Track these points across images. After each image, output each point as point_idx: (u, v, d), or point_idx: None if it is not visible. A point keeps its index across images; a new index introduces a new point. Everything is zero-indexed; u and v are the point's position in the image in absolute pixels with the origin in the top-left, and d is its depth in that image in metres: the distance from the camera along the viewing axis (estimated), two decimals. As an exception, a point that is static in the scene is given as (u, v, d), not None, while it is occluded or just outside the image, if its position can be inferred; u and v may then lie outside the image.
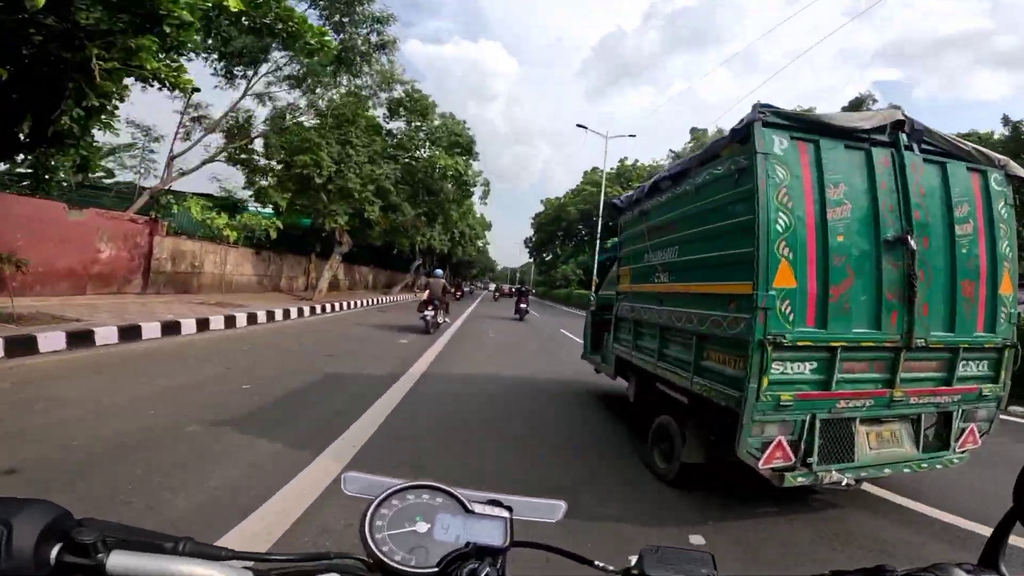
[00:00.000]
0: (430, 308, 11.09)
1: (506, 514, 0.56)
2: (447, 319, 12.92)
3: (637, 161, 44.48)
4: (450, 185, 21.61)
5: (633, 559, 0.54)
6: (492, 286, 60.45)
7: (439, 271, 12.79)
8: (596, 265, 20.84)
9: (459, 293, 31.33)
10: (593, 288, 15.54)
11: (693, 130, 41.68)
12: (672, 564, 0.52)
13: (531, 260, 65.32)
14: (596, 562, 0.56)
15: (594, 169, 43.35)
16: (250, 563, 0.50)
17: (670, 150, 42.79)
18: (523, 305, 23.01)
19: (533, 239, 57.47)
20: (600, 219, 27.08)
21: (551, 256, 55.81)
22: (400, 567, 0.49)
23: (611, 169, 39.39)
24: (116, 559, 0.44)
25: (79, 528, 0.45)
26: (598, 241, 25.12)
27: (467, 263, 60.30)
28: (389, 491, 0.56)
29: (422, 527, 0.53)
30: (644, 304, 4.37)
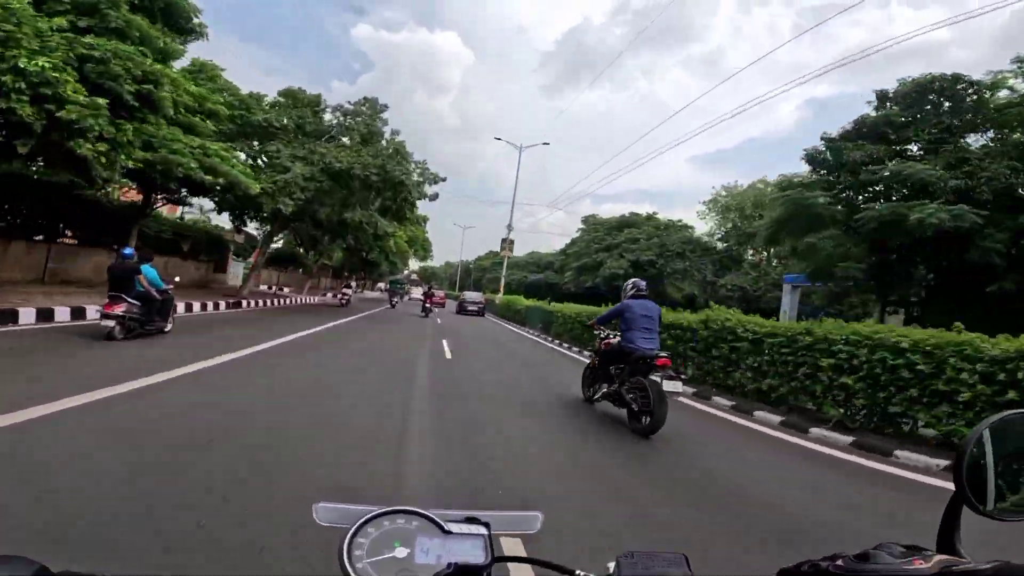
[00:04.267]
0: None
1: (484, 531, 0.56)
2: None
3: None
4: None
5: (611, 565, 0.56)
6: (416, 289, 40.06)
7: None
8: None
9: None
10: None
11: None
12: (647, 567, 0.54)
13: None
14: (577, 571, 0.56)
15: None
16: None
17: None
18: (428, 304, 21.22)
19: None
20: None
21: None
22: None
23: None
24: None
25: None
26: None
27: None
28: (364, 519, 0.55)
29: (401, 552, 0.53)
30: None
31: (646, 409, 4.92)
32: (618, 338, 5.66)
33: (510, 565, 0.67)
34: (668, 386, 4.86)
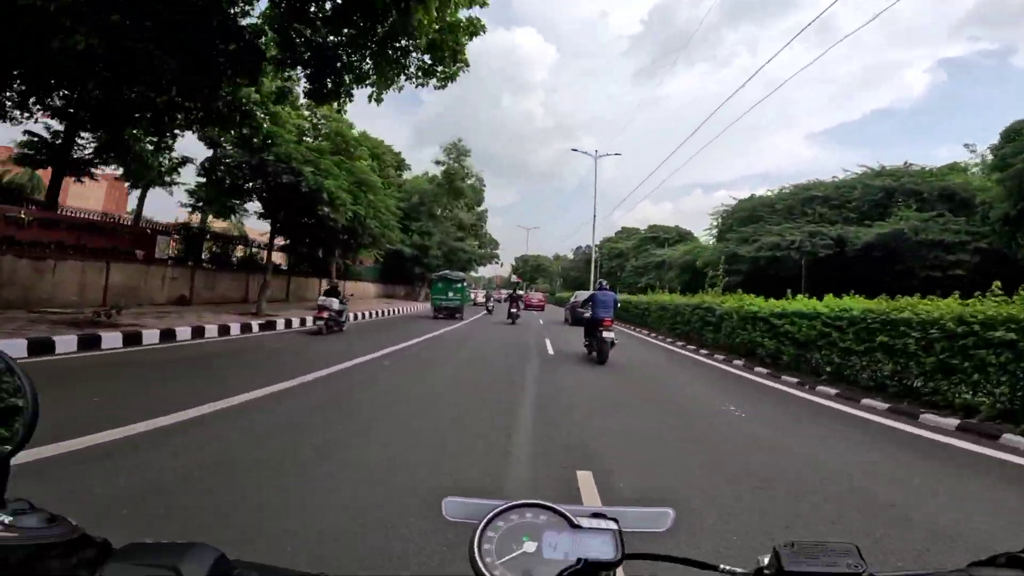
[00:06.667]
0: None
1: (614, 526, 0.55)
2: None
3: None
4: None
5: (764, 559, 0.54)
6: (480, 293, 39.00)
7: None
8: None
9: None
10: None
11: None
12: (812, 558, 0.51)
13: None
14: (722, 566, 0.55)
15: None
16: None
17: None
18: (514, 310, 20.11)
19: None
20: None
21: None
22: None
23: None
24: None
25: (239, 571, 0.47)
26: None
27: None
28: (493, 513, 0.56)
29: (530, 547, 0.53)
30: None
31: (598, 348, 9.43)
32: (590, 313, 10.04)
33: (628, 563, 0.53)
34: (606, 335, 9.36)
